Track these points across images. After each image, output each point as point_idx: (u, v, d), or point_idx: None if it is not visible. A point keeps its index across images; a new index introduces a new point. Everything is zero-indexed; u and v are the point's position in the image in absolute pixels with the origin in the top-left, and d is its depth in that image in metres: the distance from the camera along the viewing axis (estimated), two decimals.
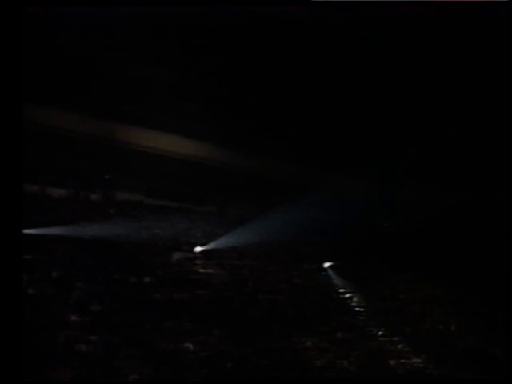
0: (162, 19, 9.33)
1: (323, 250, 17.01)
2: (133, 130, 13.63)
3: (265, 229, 14.94)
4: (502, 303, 14.89)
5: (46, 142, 12.56)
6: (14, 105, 6.66)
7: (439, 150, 14.48)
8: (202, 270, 14.20)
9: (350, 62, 11.01)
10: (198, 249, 14.73)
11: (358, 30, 9.90)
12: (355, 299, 15.72)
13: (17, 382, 6.15)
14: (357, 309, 15.36)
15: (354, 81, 11.63)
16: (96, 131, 13.06)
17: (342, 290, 15.99)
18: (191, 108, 12.63)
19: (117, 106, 12.38)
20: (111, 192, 15.22)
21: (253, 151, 14.84)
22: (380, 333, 14.51)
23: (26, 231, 10.15)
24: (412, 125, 13.35)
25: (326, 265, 16.61)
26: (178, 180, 15.75)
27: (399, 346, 14.23)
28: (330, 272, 16.52)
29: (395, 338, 14.43)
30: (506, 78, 10.30)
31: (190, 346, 11.05)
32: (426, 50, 10.60)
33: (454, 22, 9.67)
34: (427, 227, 17.32)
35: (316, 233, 15.93)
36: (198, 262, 14.44)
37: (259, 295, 14.06)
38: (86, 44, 10.35)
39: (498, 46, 10.00)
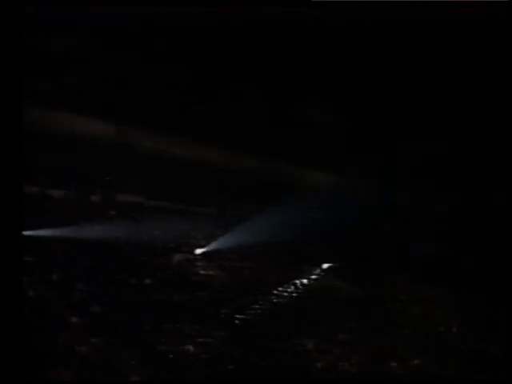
0: (161, 19, 9.35)
1: (323, 250, 17.00)
2: (133, 131, 13.63)
3: (265, 229, 14.94)
4: (502, 303, 14.87)
5: (46, 143, 12.55)
6: (13, 105, 6.65)
7: (439, 149, 14.49)
8: (202, 272, 14.20)
9: (349, 62, 11.02)
10: (198, 250, 14.73)
11: (358, 30, 9.92)
12: (355, 300, 15.68)
13: (17, 382, 6.13)
14: (357, 310, 15.33)
15: (354, 81, 11.65)
16: (96, 132, 13.06)
17: (342, 291, 15.96)
18: (191, 109, 12.64)
19: (117, 106, 12.39)
20: (111, 193, 15.21)
21: (252, 152, 14.84)
22: (380, 334, 14.48)
23: (25, 233, 10.17)
24: (412, 125, 13.38)
25: (326, 266, 16.59)
26: (178, 181, 15.74)
27: (400, 347, 14.20)
28: (330, 273, 16.49)
29: (396, 339, 14.40)
30: (505, 78, 10.30)
31: (191, 347, 11.02)
32: (425, 50, 10.62)
33: (453, 22, 9.67)
34: (427, 228, 17.31)
35: (316, 233, 15.92)
36: (199, 263, 14.43)
37: (259, 296, 14.05)
38: (86, 44, 10.36)
39: (498, 46, 10.00)
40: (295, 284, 15.45)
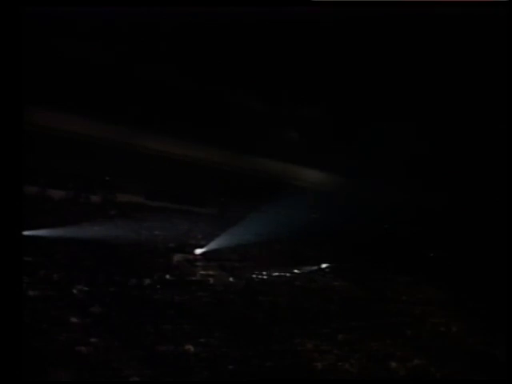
0: (162, 19, 9.36)
1: (324, 251, 17.00)
2: (133, 131, 13.64)
3: (265, 230, 14.95)
4: (503, 304, 14.86)
5: (46, 143, 12.57)
6: (14, 106, 6.66)
7: (440, 150, 14.51)
8: (202, 272, 14.20)
9: (349, 62, 11.04)
10: (198, 250, 14.74)
11: (358, 30, 9.93)
12: (356, 301, 15.68)
13: (17, 383, 6.14)
14: (358, 310, 15.32)
15: (354, 81, 11.67)
16: (96, 133, 13.08)
17: (342, 292, 15.96)
18: (191, 109, 12.65)
19: (117, 107, 12.39)
20: (112, 194, 15.23)
21: (253, 152, 14.86)
22: (381, 335, 14.47)
23: (26, 233, 10.18)
24: (411, 125, 13.40)
25: (326, 265, 16.59)
26: (179, 181, 15.75)
27: (400, 348, 14.19)
28: (331, 273, 16.49)
29: (396, 340, 14.39)
30: (505, 78, 10.30)
31: (191, 347, 11.00)
32: (425, 49, 10.64)
33: (453, 21, 9.68)
34: (428, 228, 17.31)
35: (316, 234, 15.93)
36: (199, 263, 14.44)
37: (260, 297, 14.05)
38: (86, 44, 10.38)
39: (498, 45, 10.01)
40: (295, 284, 15.45)
